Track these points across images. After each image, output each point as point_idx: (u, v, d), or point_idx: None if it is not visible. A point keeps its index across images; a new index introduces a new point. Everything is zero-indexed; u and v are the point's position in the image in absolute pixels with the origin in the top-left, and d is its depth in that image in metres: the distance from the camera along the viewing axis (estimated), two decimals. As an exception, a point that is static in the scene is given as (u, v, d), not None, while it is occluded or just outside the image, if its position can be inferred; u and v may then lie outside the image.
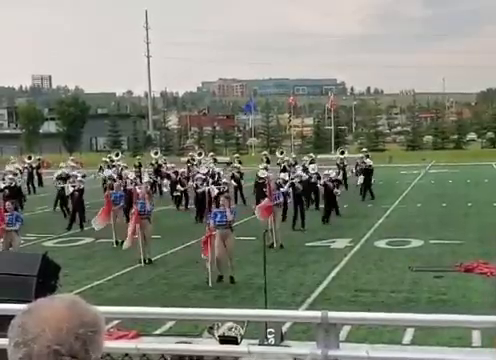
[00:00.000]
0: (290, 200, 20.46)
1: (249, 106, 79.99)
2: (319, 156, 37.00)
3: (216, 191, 22.11)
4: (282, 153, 34.73)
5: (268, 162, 33.54)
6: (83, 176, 24.96)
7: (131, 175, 25.10)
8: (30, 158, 37.80)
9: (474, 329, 8.15)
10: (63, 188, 24.04)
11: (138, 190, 17.95)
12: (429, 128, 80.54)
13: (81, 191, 22.21)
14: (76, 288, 13.07)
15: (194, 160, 33.58)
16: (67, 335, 1.39)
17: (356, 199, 26.64)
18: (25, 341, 1.39)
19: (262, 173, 24.01)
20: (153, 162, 32.98)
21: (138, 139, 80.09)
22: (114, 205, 19.00)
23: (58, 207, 24.88)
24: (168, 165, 30.22)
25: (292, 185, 20.70)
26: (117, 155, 34.38)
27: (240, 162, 30.52)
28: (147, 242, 16.03)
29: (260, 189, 22.42)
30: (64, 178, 24.86)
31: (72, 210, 22.17)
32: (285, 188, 19.87)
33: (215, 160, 33.65)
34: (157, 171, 31.49)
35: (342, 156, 31.45)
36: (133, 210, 16.12)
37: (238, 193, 26.95)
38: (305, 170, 25.63)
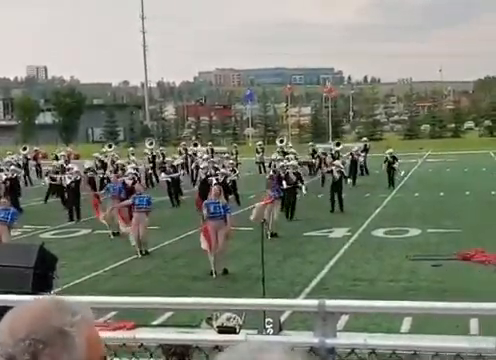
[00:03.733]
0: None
1: (250, 95, 79.18)
2: (317, 145, 36.81)
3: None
4: (282, 141, 34.08)
5: (263, 152, 33.57)
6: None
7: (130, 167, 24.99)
8: (25, 149, 37.33)
9: (472, 317, 8.15)
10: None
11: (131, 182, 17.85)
12: (426, 117, 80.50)
13: (78, 182, 22.17)
14: (73, 279, 13.06)
15: (186, 150, 33.52)
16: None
17: (353, 189, 26.59)
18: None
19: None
20: (147, 151, 32.57)
21: (134, 130, 79.99)
22: (113, 197, 18.95)
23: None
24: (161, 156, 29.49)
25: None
26: (110, 146, 34.30)
27: (237, 152, 30.37)
28: (142, 235, 15.89)
29: None
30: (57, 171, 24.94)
31: (69, 201, 22.14)
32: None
33: (212, 150, 33.54)
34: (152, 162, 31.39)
35: (338, 148, 31.36)
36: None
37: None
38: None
